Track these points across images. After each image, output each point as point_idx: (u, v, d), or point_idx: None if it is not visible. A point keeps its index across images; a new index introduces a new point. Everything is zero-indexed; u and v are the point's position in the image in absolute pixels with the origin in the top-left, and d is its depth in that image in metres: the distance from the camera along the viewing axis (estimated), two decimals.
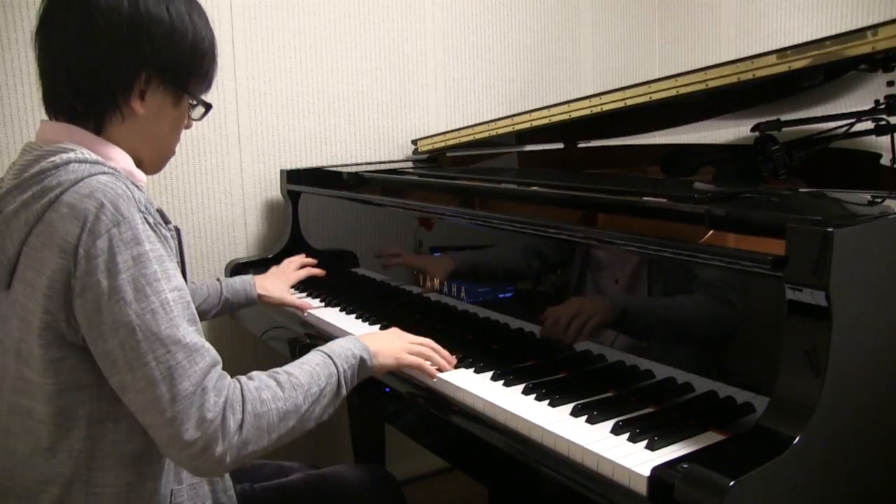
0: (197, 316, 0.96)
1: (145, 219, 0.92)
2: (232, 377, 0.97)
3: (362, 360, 1.14)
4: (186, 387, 0.90)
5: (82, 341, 0.93)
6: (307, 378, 1.04)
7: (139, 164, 1.05)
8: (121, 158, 1.01)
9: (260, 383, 0.99)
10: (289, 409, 0.99)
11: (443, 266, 1.52)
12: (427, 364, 1.23)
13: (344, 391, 1.09)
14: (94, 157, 0.95)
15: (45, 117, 1.03)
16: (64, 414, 0.95)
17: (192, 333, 0.92)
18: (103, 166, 0.94)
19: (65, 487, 0.96)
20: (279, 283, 1.69)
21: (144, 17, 0.97)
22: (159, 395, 0.89)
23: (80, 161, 0.93)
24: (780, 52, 1.28)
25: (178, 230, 1.06)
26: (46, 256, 0.90)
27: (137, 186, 0.97)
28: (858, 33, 1.18)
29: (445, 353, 1.27)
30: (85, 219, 0.89)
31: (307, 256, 1.81)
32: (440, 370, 1.25)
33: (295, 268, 1.76)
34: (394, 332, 1.29)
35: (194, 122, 1.11)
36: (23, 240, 0.92)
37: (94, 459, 0.96)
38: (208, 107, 1.09)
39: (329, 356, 1.10)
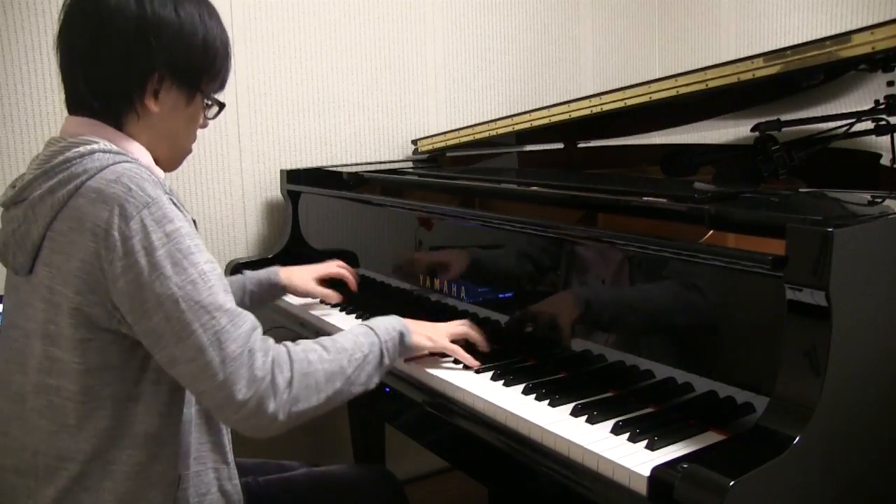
0: (229, 287, 1.00)
1: (171, 199, 0.96)
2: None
3: (401, 335, 1.19)
4: (234, 349, 0.94)
5: (116, 325, 0.96)
6: (351, 344, 1.10)
7: (156, 162, 1.08)
8: (141, 154, 1.04)
9: (306, 346, 1.05)
10: (334, 370, 1.04)
11: (444, 266, 1.52)
12: (461, 350, 1.27)
13: (386, 361, 1.15)
14: (116, 148, 0.99)
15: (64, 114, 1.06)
16: (90, 393, 0.97)
17: (229, 300, 0.97)
18: (126, 156, 0.99)
19: (85, 464, 0.98)
20: (305, 273, 1.62)
21: (153, 19, 1.00)
22: (209, 359, 0.93)
23: (104, 151, 0.97)
24: (780, 52, 1.28)
25: (194, 221, 1.07)
26: (76, 240, 0.93)
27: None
28: (858, 33, 1.18)
29: (480, 338, 1.31)
30: (114, 203, 0.92)
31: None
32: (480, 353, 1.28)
33: (335, 265, 1.68)
34: (436, 324, 1.31)
35: (210, 122, 1.13)
36: (48, 224, 0.96)
37: (114, 438, 0.99)
38: (222, 105, 1.12)
39: (371, 328, 1.16)
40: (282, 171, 2.10)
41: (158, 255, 0.92)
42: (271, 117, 2.13)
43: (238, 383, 0.94)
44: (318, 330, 1.61)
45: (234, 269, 2.01)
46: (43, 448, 0.99)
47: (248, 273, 1.58)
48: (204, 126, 1.13)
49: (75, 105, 1.04)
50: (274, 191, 2.17)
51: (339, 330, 1.50)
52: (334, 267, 1.67)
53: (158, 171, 1.07)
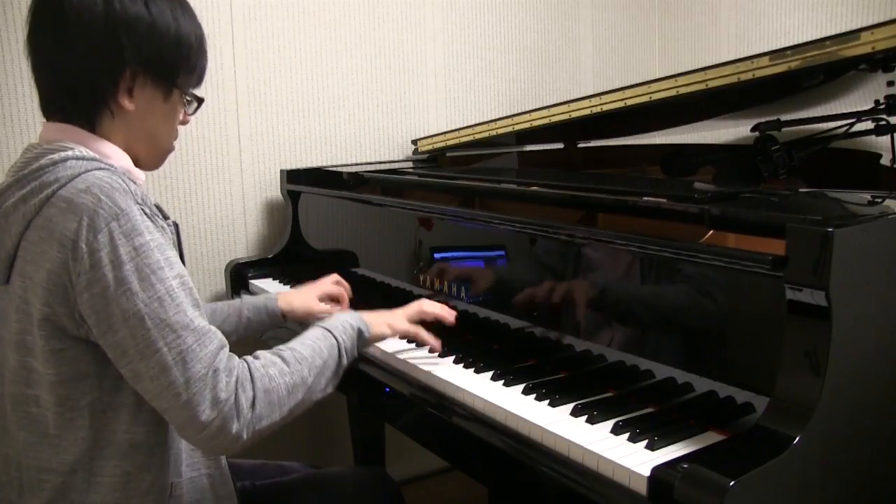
0: (200, 301, 0.98)
1: (142, 210, 0.94)
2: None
3: (359, 331, 1.19)
4: (199, 369, 0.93)
5: (85, 334, 0.94)
6: (310, 352, 1.08)
7: (136, 162, 1.06)
8: (117, 156, 1.02)
9: (266, 360, 1.03)
10: (296, 382, 1.04)
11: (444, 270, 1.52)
12: (423, 332, 1.28)
13: (345, 361, 1.15)
14: (91, 154, 0.97)
15: (43, 119, 1.05)
16: (66, 403, 0.96)
17: (198, 318, 0.95)
18: (100, 163, 0.96)
19: (67, 476, 0.97)
20: (305, 294, 1.51)
21: (122, 16, 0.98)
22: (173, 379, 0.92)
23: (77, 158, 0.95)
24: (780, 52, 1.28)
25: (176, 225, 1.07)
26: (46, 250, 0.92)
27: (135, 183, 0.98)
28: (858, 33, 1.18)
29: (441, 310, 1.31)
30: (83, 213, 0.90)
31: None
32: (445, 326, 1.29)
33: (331, 281, 1.56)
34: (392, 310, 1.32)
35: (191, 118, 1.12)
36: (21, 234, 0.94)
37: (96, 448, 0.98)
38: (200, 101, 1.10)
39: (327, 329, 1.15)
40: (282, 171, 2.10)
41: (126, 269, 0.90)
42: (271, 117, 2.13)
43: (202, 404, 0.92)
44: None
45: (234, 269, 2.02)
46: (25, 461, 0.98)
47: (246, 298, 1.48)
48: (185, 123, 1.10)
49: (49, 109, 1.03)
50: (274, 191, 2.17)
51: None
52: (332, 285, 1.54)
53: (138, 173, 1.05)
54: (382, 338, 1.26)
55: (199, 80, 1.09)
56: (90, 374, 0.97)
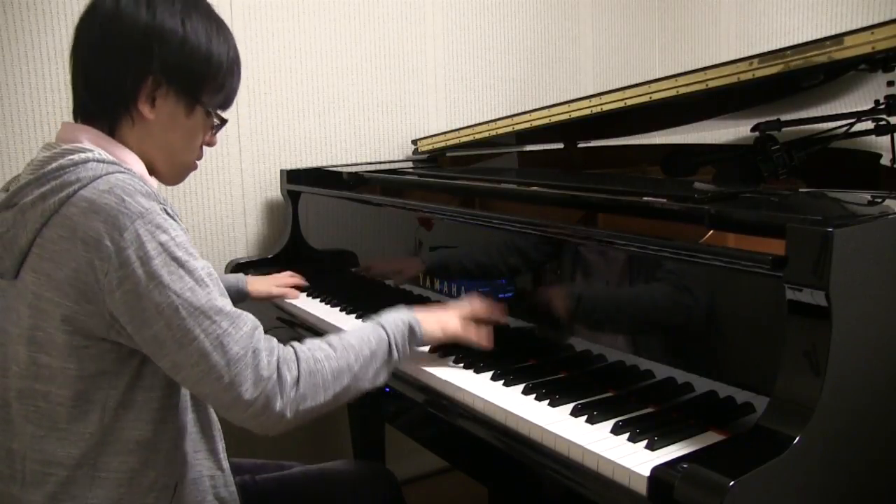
0: (225, 291, 1.00)
1: (164, 209, 0.96)
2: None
3: (411, 328, 1.19)
4: (237, 350, 0.95)
5: (114, 335, 0.96)
6: (357, 341, 1.10)
7: (152, 173, 1.08)
8: (133, 162, 1.04)
9: (312, 345, 1.06)
10: (341, 367, 1.05)
11: (443, 266, 1.52)
12: (474, 334, 1.26)
13: (396, 356, 1.15)
14: (110, 157, 0.99)
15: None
16: (83, 398, 0.97)
17: (228, 304, 0.98)
18: (119, 167, 0.98)
19: (72, 470, 0.98)
20: (266, 281, 1.77)
21: (158, 27, 1.01)
22: (214, 363, 0.94)
23: (98, 160, 0.97)
24: (780, 52, 1.28)
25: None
26: (67, 249, 0.93)
27: None
28: (858, 33, 1.18)
29: (494, 313, 1.30)
30: (107, 214, 0.92)
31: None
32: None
33: (287, 275, 1.83)
34: (445, 307, 1.30)
35: (216, 139, 1.14)
36: (37, 231, 0.95)
37: (103, 444, 0.99)
38: (223, 121, 1.12)
39: (379, 323, 1.17)
40: (282, 171, 2.10)
41: (154, 263, 0.92)
42: (271, 117, 2.14)
43: (244, 384, 0.95)
44: (317, 329, 1.61)
45: (234, 269, 2.02)
46: (29, 453, 0.99)
47: (222, 276, 1.61)
48: (211, 144, 1.12)
49: (76, 108, 1.06)
50: (274, 191, 2.17)
51: (339, 328, 1.51)
52: (288, 278, 1.81)
53: (151, 181, 1.07)
54: (435, 340, 1.24)
55: (226, 102, 1.11)
56: (110, 372, 0.98)
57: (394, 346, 1.14)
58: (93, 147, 0.99)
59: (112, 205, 0.92)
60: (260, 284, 1.73)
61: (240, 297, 1.66)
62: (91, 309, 0.94)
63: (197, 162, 1.13)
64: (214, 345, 0.94)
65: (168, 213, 0.97)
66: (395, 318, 1.19)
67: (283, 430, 1.00)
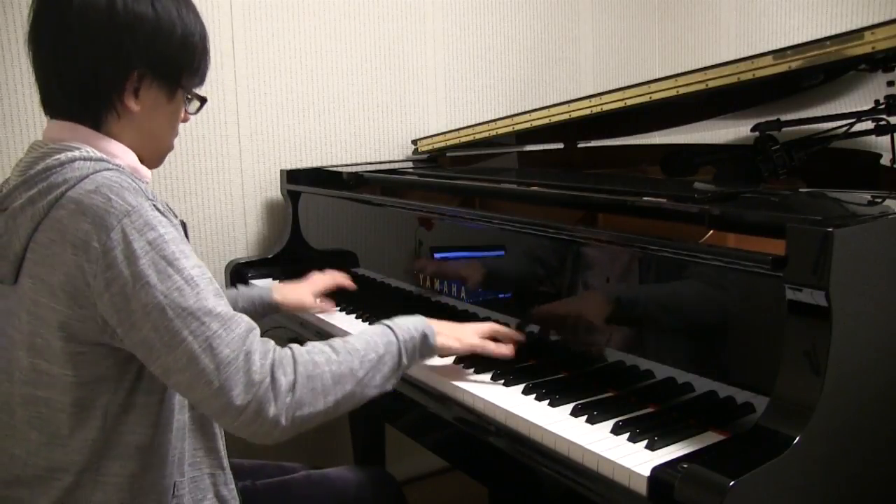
0: (222, 291, 0.96)
1: (154, 206, 0.93)
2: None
3: (424, 336, 1.14)
4: (228, 353, 0.90)
5: (108, 340, 0.94)
6: (363, 345, 1.05)
7: (140, 160, 1.06)
8: (124, 155, 1.01)
9: (312, 348, 1.01)
10: (343, 371, 1.00)
11: (442, 266, 1.52)
12: (491, 344, 1.21)
13: (405, 362, 1.10)
14: (98, 154, 0.97)
15: (45, 117, 1.04)
16: (82, 404, 0.96)
17: (221, 305, 0.93)
18: (108, 163, 0.96)
19: (77, 475, 0.97)
20: (301, 288, 1.59)
21: (127, 16, 0.97)
22: (203, 367, 0.90)
23: (84, 159, 0.94)
24: (780, 52, 1.28)
25: (183, 224, 1.06)
26: (58, 252, 0.91)
27: (143, 181, 0.98)
28: (858, 33, 1.18)
29: (508, 331, 1.26)
30: (94, 214, 0.90)
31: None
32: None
33: (326, 278, 1.64)
34: (462, 323, 1.26)
35: (192, 117, 1.11)
36: (29, 235, 0.93)
37: (105, 449, 0.97)
38: (203, 100, 1.10)
39: (389, 327, 1.11)
40: (282, 171, 2.10)
41: (141, 263, 0.89)
42: (271, 117, 2.13)
43: (235, 389, 0.90)
44: (318, 330, 1.61)
45: (234, 269, 2.02)
46: (34, 459, 0.98)
47: (242, 290, 1.52)
48: (185, 121, 1.10)
49: (52, 107, 1.02)
50: (274, 191, 2.17)
51: (340, 330, 1.51)
52: (329, 279, 1.62)
53: (145, 171, 1.05)
54: (450, 351, 1.19)
55: (201, 80, 1.09)
56: (108, 378, 0.96)
57: (403, 351, 1.09)
58: (80, 144, 0.97)
59: (99, 205, 0.90)
60: (291, 292, 1.55)
61: (267, 311, 1.52)
62: (83, 314, 0.92)
63: (174, 142, 1.10)
64: (203, 347, 0.90)
65: (158, 209, 0.94)
66: (408, 324, 1.13)
67: (279, 438, 0.96)
